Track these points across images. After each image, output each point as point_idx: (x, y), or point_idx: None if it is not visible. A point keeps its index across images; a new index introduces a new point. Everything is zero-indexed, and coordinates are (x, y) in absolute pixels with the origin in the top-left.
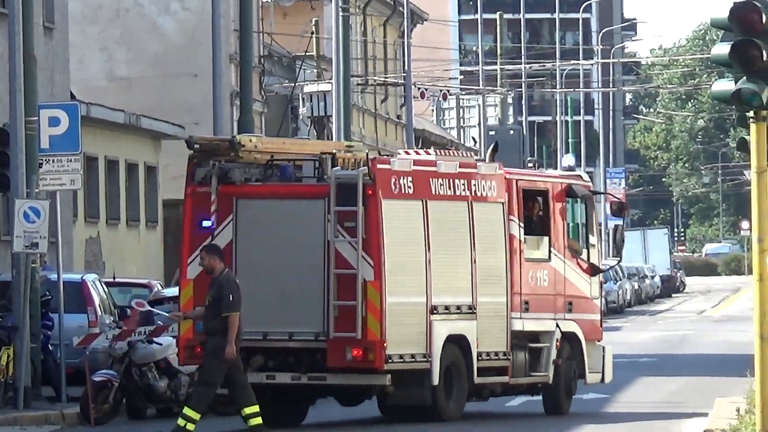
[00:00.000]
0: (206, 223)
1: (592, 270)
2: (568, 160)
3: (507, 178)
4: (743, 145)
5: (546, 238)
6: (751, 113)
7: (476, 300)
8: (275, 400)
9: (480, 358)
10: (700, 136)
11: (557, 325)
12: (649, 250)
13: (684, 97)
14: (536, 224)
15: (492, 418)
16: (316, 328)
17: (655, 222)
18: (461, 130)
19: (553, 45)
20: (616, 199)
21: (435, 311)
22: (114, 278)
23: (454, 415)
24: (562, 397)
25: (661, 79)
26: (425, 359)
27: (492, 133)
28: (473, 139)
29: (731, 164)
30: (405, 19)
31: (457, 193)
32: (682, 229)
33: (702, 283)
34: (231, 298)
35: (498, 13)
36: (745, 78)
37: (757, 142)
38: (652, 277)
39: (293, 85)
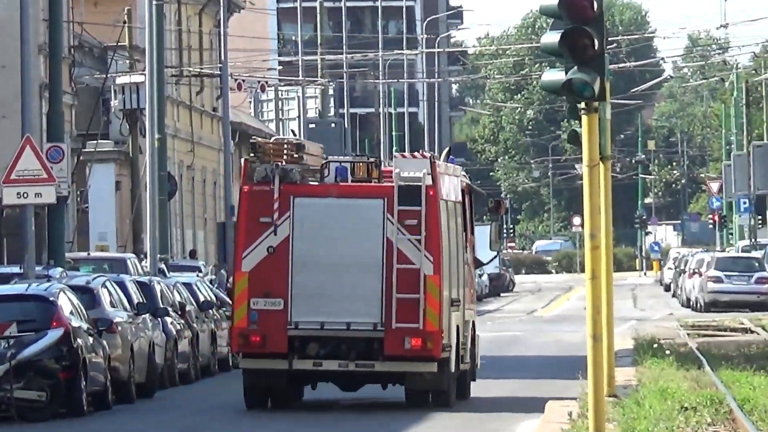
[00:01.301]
0: (263, 219)
1: (476, 264)
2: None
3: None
4: (574, 138)
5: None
6: (582, 104)
7: (459, 294)
8: (291, 383)
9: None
10: (529, 129)
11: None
12: (477, 248)
13: (513, 87)
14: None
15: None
16: (375, 318)
17: (484, 218)
18: (280, 123)
19: (376, 34)
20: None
21: (453, 304)
22: None
23: (454, 402)
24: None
25: (489, 69)
26: (449, 348)
27: (312, 126)
28: (293, 132)
29: (562, 158)
30: (221, 8)
31: (457, 196)
32: (512, 226)
33: (532, 281)
34: None
35: (318, 1)
36: (575, 68)
37: (589, 134)
38: (480, 276)
39: (104, 76)
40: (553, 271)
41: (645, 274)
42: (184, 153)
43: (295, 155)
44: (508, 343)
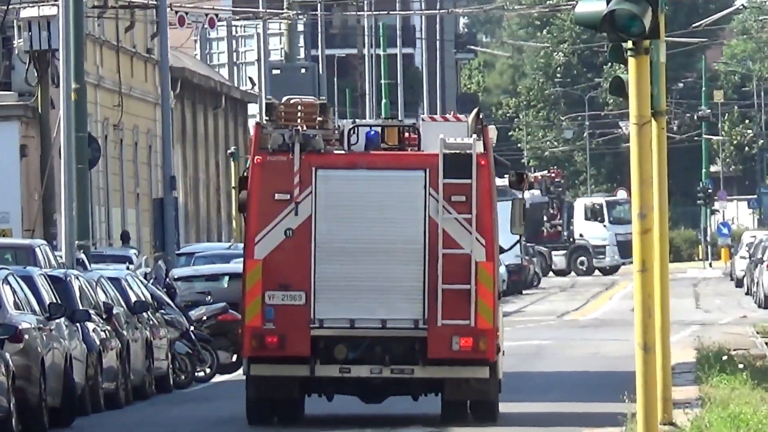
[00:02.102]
0: (279, 197)
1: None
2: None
3: None
4: (618, 88)
5: None
6: (629, 43)
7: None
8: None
9: None
10: (559, 76)
11: None
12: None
13: (538, 22)
14: None
15: None
16: (416, 314)
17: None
18: (235, 69)
19: None
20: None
21: (500, 297)
22: None
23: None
24: None
25: None
26: (500, 350)
27: (276, 72)
28: (250, 80)
29: (602, 113)
30: None
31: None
32: None
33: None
34: None
35: None
36: None
37: (637, 82)
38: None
39: (5, 9)
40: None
41: (710, 264)
42: (109, 108)
43: (318, 118)
44: (533, 355)
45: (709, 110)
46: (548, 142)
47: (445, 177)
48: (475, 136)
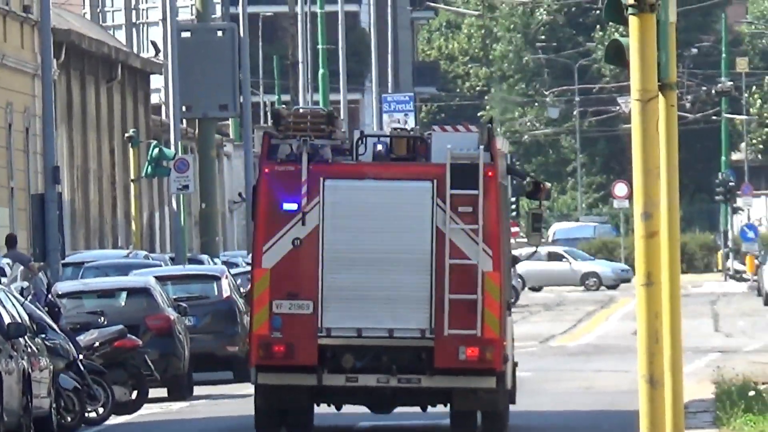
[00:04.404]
0: (288, 206)
1: (512, 260)
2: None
3: None
4: (616, 54)
5: None
6: None
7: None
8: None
9: None
10: (542, 39)
11: None
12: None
13: None
14: None
15: None
16: (423, 324)
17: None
18: (134, 32)
19: None
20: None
21: (508, 307)
22: None
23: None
24: None
25: None
26: (508, 360)
27: (186, 35)
28: (153, 45)
29: (595, 87)
30: None
31: (504, 177)
32: (513, 198)
33: (549, 288)
34: None
35: None
36: None
37: (640, 48)
38: None
39: None
40: None
41: (732, 276)
42: None
43: (325, 128)
44: None
45: (731, 82)
46: (528, 123)
47: (452, 188)
48: (482, 147)
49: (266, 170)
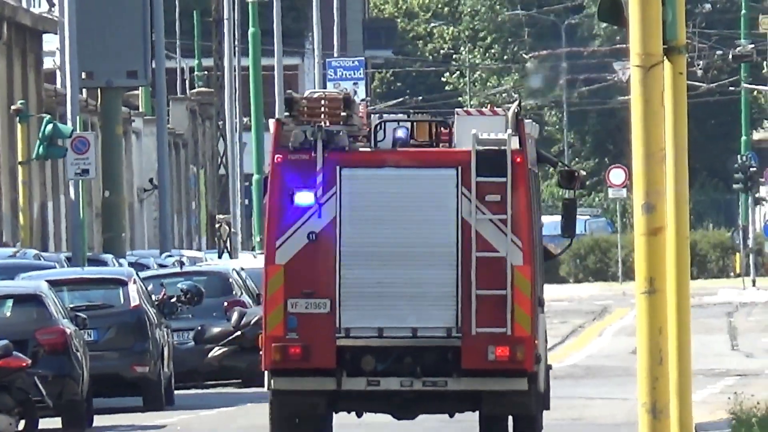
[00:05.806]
0: (302, 197)
1: (546, 255)
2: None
3: None
4: (612, 11)
5: None
6: None
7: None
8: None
9: None
10: None
11: None
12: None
13: None
14: None
15: None
16: (449, 322)
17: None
18: None
19: None
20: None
21: (540, 304)
22: None
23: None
24: None
25: None
26: (540, 360)
27: None
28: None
29: (586, 51)
30: None
31: (534, 164)
32: None
33: None
34: None
35: None
36: None
37: (643, 1)
38: None
39: None
40: (570, 277)
41: (753, 282)
42: None
43: (342, 113)
44: None
45: (752, 45)
46: (505, 94)
47: (478, 175)
48: (510, 131)
49: (278, 159)
